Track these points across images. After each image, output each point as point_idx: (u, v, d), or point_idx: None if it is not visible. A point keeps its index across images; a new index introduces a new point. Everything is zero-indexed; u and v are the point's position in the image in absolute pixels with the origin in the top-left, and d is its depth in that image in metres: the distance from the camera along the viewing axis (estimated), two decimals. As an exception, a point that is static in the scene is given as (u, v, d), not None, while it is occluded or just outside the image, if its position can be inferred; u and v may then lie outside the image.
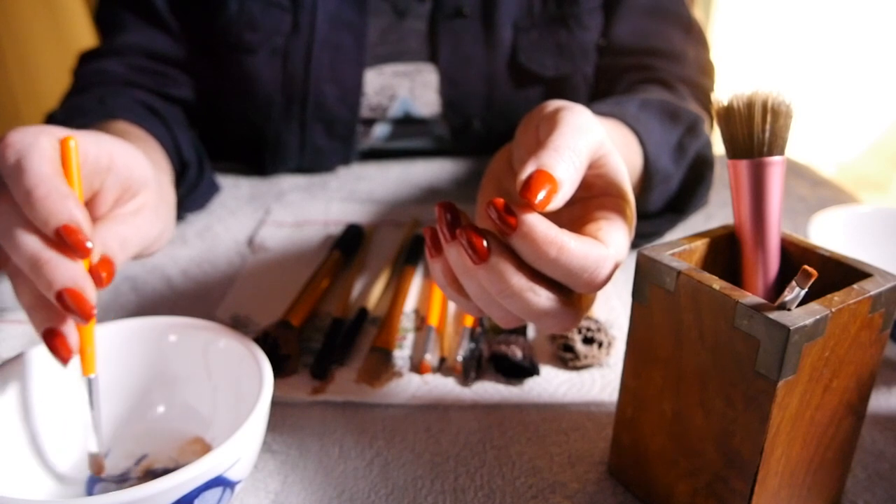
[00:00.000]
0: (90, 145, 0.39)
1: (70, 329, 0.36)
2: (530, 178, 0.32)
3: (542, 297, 0.33)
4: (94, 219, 0.40)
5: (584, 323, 0.50)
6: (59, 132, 0.38)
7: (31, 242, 0.35)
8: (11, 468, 0.37)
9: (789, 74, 1.95)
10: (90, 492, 0.38)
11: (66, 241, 0.35)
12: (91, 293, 0.35)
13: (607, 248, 0.34)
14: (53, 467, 0.39)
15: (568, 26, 0.78)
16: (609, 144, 0.37)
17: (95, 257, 0.38)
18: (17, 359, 0.39)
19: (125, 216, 0.42)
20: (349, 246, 0.65)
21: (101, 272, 0.37)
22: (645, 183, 0.58)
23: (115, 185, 0.41)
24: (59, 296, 0.35)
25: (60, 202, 0.35)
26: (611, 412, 0.45)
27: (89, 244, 0.35)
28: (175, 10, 0.76)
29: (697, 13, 0.83)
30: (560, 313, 0.34)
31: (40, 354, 0.40)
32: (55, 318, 0.36)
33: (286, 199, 0.77)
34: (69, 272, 0.35)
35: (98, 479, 0.39)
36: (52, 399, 0.40)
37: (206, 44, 0.77)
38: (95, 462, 0.38)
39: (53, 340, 0.36)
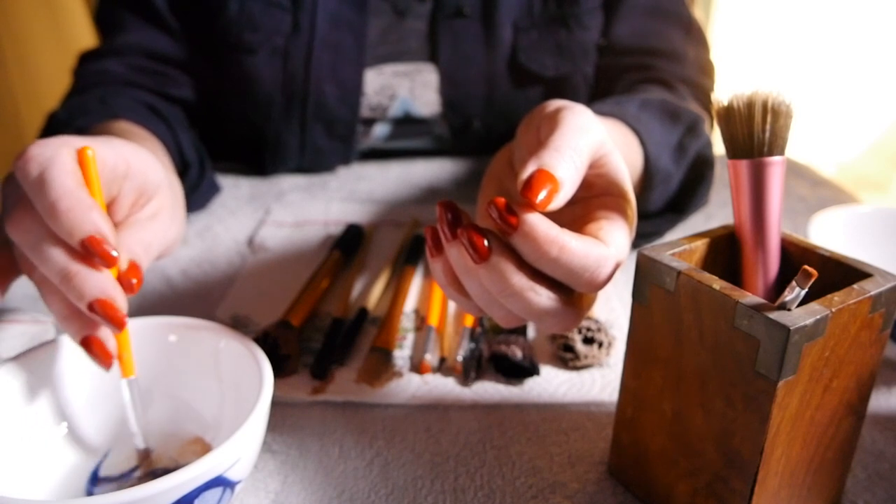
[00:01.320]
0: (107, 152, 0.40)
1: (107, 335, 0.37)
2: (531, 177, 0.32)
3: (543, 297, 0.33)
4: (114, 224, 0.41)
5: (584, 323, 0.50)
6: (77, 143, 0.38)
7: (58, 256, 0.36)
8: (11, 468, 0.37)
9: (789, 74, 1.95)
10: (90, 492, 0.38)
11: (92, 252, 0.35)
12: (122, 301, 0.36)
13: (608, 247, 0.34)
14: (54, 467, 0.39)
15: (568, 26, 0.78)
16: (610, 144, 0.37)
17: (124, 264, 0.38)
18: (18, 358, 0.39)
19: (144, 221, 0.42)
20: (349, 246, 0.65)
21: (131, 279, 0.38)
22: (645, 183, 0.58)
23: (131, 190, 0.42)
24: (91, 307, 0.35)
25: (84, 214, 0.35)
26: (611, 412, 0.45)
27: (115, 253, 0.36)
28: (175, 10, 0.76)
29: (697, 13, 0.83)
30: (561, 313, 0.34)
31: (40, 354, 0.40)
32: (90, 325, 0.37)
33: (286, 199, 0.77)
34: (98, 283, 0.36)
35: (98, 479, 0.39)
36: (52, 399, 0.40)
37: (206, 44, 0.77)
38: (142, 457, 0.40)
39: (92, 347, 0.37)
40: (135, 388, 0.39)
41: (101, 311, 0.35)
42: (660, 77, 0.73)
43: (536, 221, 0.32)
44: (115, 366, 0.38)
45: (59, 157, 0.37)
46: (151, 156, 0.44)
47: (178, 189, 0.52)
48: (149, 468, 0.40)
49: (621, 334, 0.52)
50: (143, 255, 0.40)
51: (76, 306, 0.36)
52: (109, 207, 0.41)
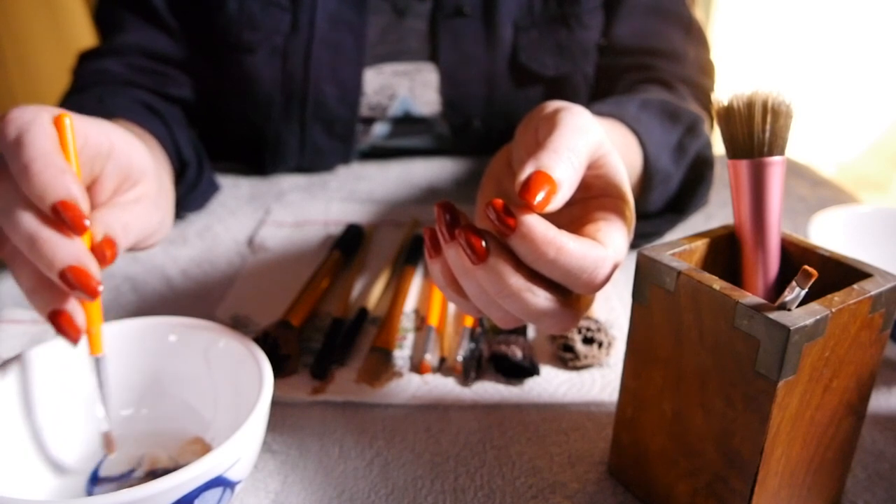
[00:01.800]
0: (91, 129, 0.39)
1: (75, 308, 0.36)
2: (529, 179, 0.32)
3: (541, 298, 0.33)
4: (95, 205, 0.40)
5: (584, 323, 0.50)
6: (57, 111, 0.38)
7: (29, 221, 0.35)
8: (12, 468, 0.37)
9: (789, 74, 1.95)
10: (90, 492, 0.38)
11: (63, 218, 0.34)
12: (95, 269, 0.35)
13: (606, 249, 0.34)
14: (53, 467, 0.39)
15: (568, 26, 0.78)
16: (608, 145, 0.37)
17: (98, 236, 0.37)
18: (18, 358, 0.39)
19: (126, 204, 0.42)
20: (349, 246, 0.65)
21: (105, 251, 0.37)
22: (645, 183, 0.58)
23: (114, 171, 0.41)
24: (63, 274, 0.34)
25: (57, 177, 0.35)
26: (611, 412, 0.45)
27: (87, 221, 0.35)
28: (174, 9, 0.76)
29: (697, 13, 0.82)
30: (558, 314, 0.34)
31: (40, 354, 0.40)
32: (59, 298, 0.36)
33: (286, 199, 0.77)
34: (70, 249, 0.34)
35: (98, 479, 0.39)
36: (52, 399, 0.40)
37: (205, 43, 0.77)
38: (107, 440, 0.39)
39: (59, 321, 0.35)
40: (103, 366, 0.37)
41: (74, 278, 0.34)
42: (660, 77, 0.73)
43: (534, 223, 0.32)
44: (84, 342, 0.36)
45: (38, 119, 0.36)
46: (138, 141, 0.43)
47: (168, 182, 0.51)
48: (150, 467, 0.40)
49: (621, 334, 0.52)
50: (120, 233, 0.39)
51: (45, 279, 0.35)
52: (92, 186, 0.40)
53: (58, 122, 0.37)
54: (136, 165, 0.42)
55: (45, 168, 0.35)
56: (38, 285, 0.36)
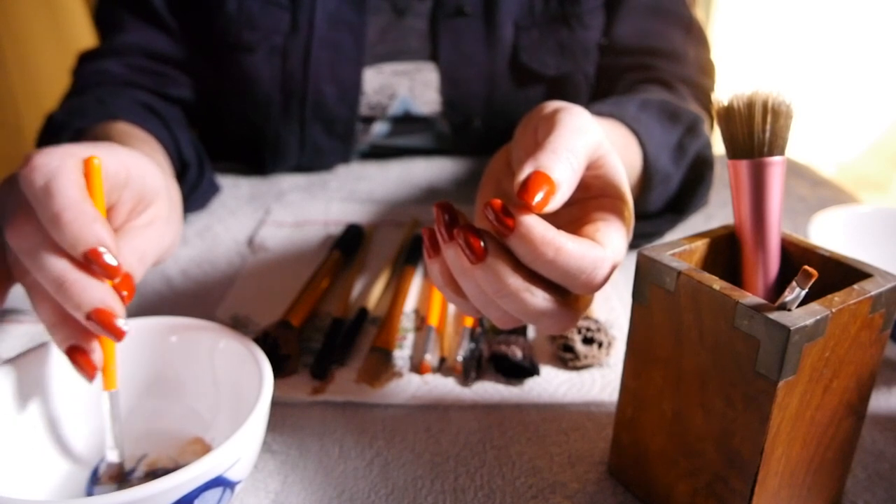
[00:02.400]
0: (109, 160, 0.40)
1: (94, 346, 0.37)
2: (528, 179, 0.32)
3: (539, 298, 0.33)
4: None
5: (583, 323, 0.50)
6: (83, 152, 0.39)
7: (56, 263, 0.36)
8: (12, 468, 0.37)
9: (789, 74, 1.95)
10: (90, 492, 0.38)
11: (95, 264, 0.36)
12: (121, 311, 0.36)
13: (604, 249, 0.34)
14: (54, 467, 0.39)
15: (569, 25, 0.78)
16: (607, 145, 0.37)
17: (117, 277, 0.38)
18: (18, 358, 0.39)
19: (140, 229, 0.42)
20: (349, 246, 0.65)
21: (123, 291, 0.38)
22: (645, 183, 0.58)
23: (130, 198, 0.42)
24: (90, 317, 0.35)
25: (89, 226, 0.35)
26: (611, 412, 0.45)
27: (116, 263, 0.36)
28: (174, 9, 0.76)
29: (697, 13, 0.83)
30: (557, 314, 0.34)
31: (41, 354, 0.40)
32: (79, 335, 0.37)
33: (286, 199, 0.77)
34: (98, 293, 0.36)
35: (98, 479, 0.39)
36: (52, 399, 0.40)
37: (205, 43, 0.77)
38: (116, 471, 0.39)
39: (78, 358, 0.36)
40: (116, 401, 0.38)
41: (100, 320, 0.35)
42: (660, 77, 0.73)
43: (533, 223, 0.32)
44: (98, 378, 0.37)
45: (64, 167, 0.37)
46: (150, 162, 0.44)
47: (176, 194, 0.52)
48: (150, 468, 0.40)
49: (621, 334, 0.52)
50: (137, 265, 0.40)
51: (66, 314, 0.36)
52: (107, 214, 0.41)
53: (88, 166, 0.38)
54: (150, 188, 0.43)
55: (76, 218, 0.35)
56: (59, 321, 0.37)
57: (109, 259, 0.36)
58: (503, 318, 0.35)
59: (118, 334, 0.36)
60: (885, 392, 0.47)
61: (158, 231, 0.43)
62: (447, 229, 0.33)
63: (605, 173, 0.37)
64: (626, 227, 0.36)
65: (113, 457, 0.39)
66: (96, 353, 0.37)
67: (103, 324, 0.35)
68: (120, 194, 0.41)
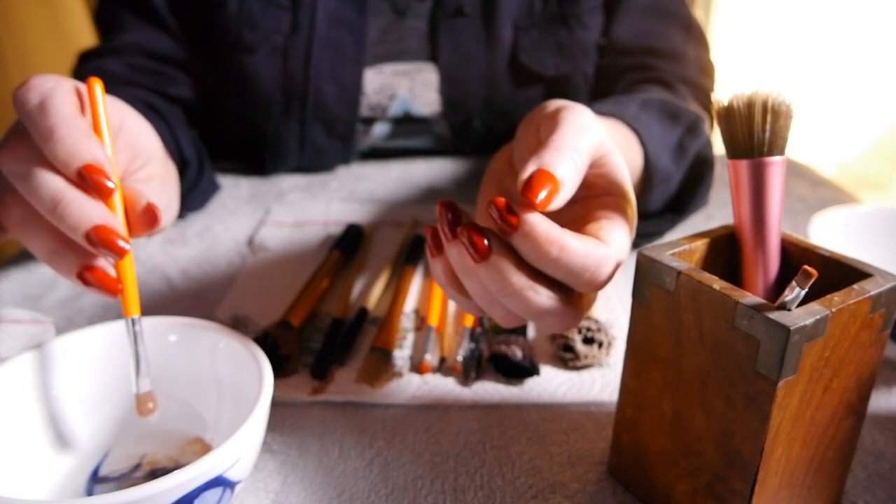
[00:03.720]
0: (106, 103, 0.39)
1: (103, 262, 0.35)
2: (531, 177, 0.32)
3: (543, 296, 0.33)
4: None
5: (584, 323, 0.50)
6: (77, 82, 0.38)
7: (51, 182, 0.34)
8: (12, 468, 0.37)
9: (789, 74, 1.95)
10: (90, 491, 0.38)
11: (88, 181, 0.34)
12: (121, 228, 0.34)
13: (608, 247, 0.34)
14: (54, 467, 0.39)
15: (568, 26, 0.78)
16: (610, 144, 0.37)
17: (140, 205, 0.37)
18: (18, 358, 0.39)
19: (139, 182, 0.41)
20: (349, 246, 0.65)
21: (154, 212, 0.37)
22: (645, 183, 0.58)
23: (125, 147, 0.41)
24: (88, 235, 0.34)
25: (83, 141, 0.34)
26: (611, 412, 0.45)
27: (111, 184, 0.35)
28: (175, 9, 0.76)
29: (697, 13, 0.83)
30: (561, 312, 0.34)
31: (41, 354, 0.40)
32: (85, 256, 0.35)
33: (286, 199, 0.77)
34: (96, 210, 0.34)
35: (98, 479, 0.39)
36: (52, 399, 0.40)
37: (205, 43, 0.77)
38: (143, 401, 0.37)
39: (93, 277, 0.35)
40: (139, 328, 0.37)
41: (101, 238, 0.33)
42: (660, 77, 0.73)
43: (537, 221, 0.32)
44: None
45: (60, 87, 0.36)
46: (148, 124, 0.44)
47: (172, 169, 0.51)
48: (150, 467, 0.40)
49: (621, 334, 0.52)
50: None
51: (67, 239, 0.35)
52: None
53: (90, 87, 0.37)
54: (144, 146, 0.42)
55: (70, 132, 0.34)
56: (59, 247, 0.35)
57: (104, 177, 0.34)
58: (507, 316, 0.35)
59: (120, 252, 0.34)
60: (885, 392, 0.47)
61: (155, 189, 0.42)
62: (451, 228, 0.33)
63: (608, 171, 0.37)
64: (629, 225, 0.37)
65: (145, 386, 0.37)
66: (109, 268, 0.35)
67: (104, 242, 0.33)
68: (115, 139, 0.40)
